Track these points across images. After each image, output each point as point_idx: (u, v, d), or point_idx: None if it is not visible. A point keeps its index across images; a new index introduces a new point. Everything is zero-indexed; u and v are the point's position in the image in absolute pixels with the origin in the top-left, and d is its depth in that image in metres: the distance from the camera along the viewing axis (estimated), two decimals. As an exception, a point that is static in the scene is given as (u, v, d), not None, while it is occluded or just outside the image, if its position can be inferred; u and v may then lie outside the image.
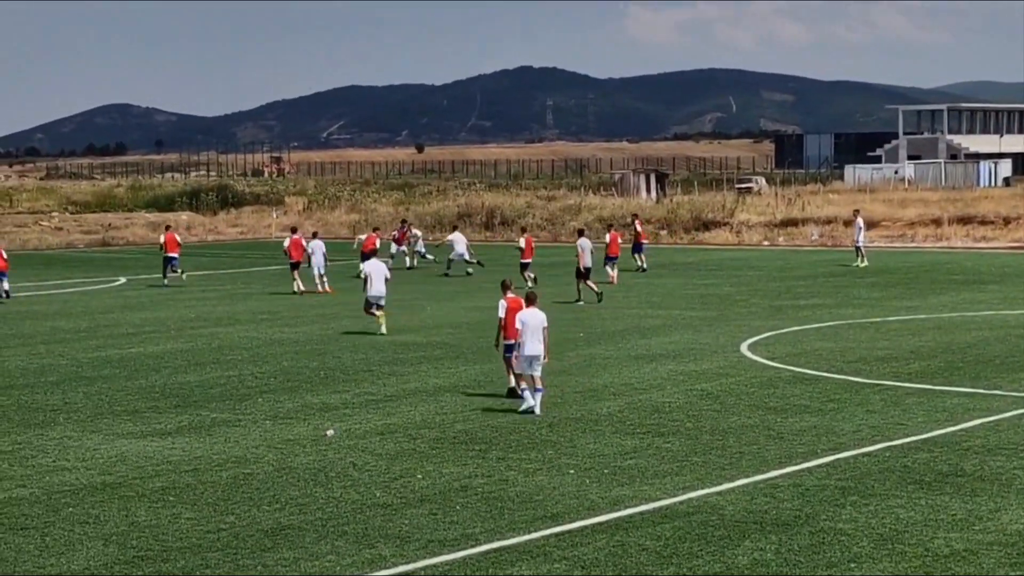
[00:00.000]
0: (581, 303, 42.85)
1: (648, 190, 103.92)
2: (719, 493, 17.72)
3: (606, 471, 19.06)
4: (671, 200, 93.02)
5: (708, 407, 24.12)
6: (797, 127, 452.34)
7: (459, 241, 57.63)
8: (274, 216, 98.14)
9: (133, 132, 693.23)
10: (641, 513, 16.75)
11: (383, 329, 35.07)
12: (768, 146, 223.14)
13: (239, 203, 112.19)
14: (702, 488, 17.97)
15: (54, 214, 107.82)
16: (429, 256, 61.56)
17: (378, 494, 17.93)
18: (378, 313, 35.35)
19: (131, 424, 23.21)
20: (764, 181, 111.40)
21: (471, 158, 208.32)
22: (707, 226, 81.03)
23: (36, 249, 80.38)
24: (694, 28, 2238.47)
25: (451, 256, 56.81)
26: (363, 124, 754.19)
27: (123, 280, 55.29)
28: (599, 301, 42.79)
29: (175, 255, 52.80)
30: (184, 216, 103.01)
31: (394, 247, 61.13)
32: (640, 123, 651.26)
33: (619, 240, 51.68)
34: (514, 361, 24.48)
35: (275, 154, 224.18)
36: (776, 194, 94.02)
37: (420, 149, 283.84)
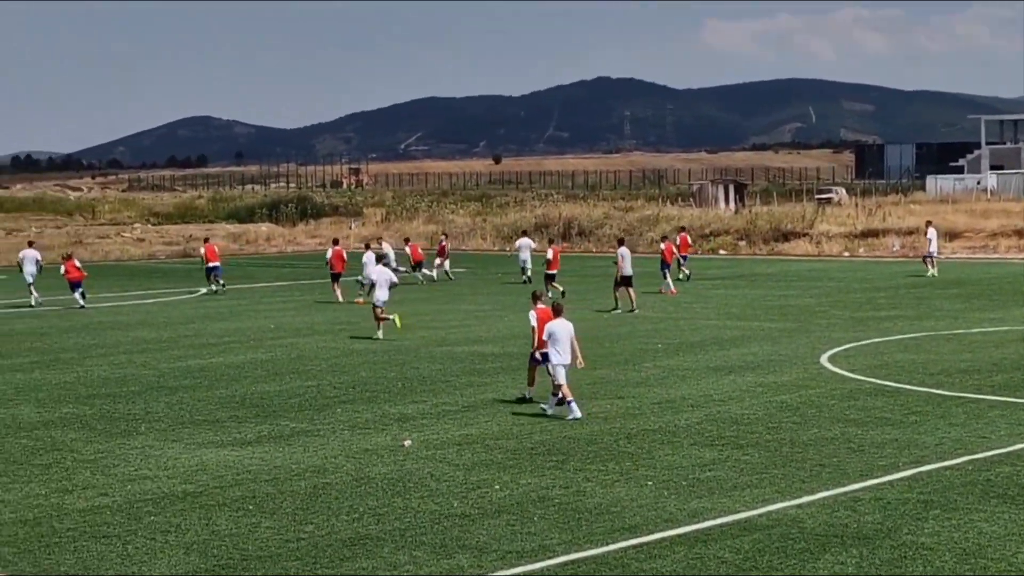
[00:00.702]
0: (618, 311, 43.44)
1: (727, 201, 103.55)
2: (799, 506, 17.57)
3: (684, 483, 18.96)
4: (750, 211, 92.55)
5: (788, 419, 23.95)
6: (877, 137, 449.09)
7: (524, 247, 57.71)
8: (351, 227, 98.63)
9: (214, 144, 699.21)
10: (720, 526, 16.64)
11: (398, 322, 37.11)
12: (848, 156, 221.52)
13: (318, 214, 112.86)
14: (782, 501, 17.83)
15: (136, 225, 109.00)
16: (431, 273, 60.25)
17: (455, 504, 17.94)
18: (389, 316, 37.40)
19: (211, 433, 23.36)
20: (844, 191, 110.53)
21: (548, 169, 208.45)
22: (786, 237, 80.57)
23: (118, 260, 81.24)
24: (773, 38, 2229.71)
25: (521, 264, 57.33)
26: (441, 135, 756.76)
27: (204, 291, 55.72)
28: (631, 311, 43.22)
29: (216, 264, 55.01)
30: (264, 227, 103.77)
31: (437, 260, 61.13)
32: (718, 133, 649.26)
33: (673, 249, 52.25)
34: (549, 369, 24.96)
35: (354, 166, 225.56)
36: (856, 205, 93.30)
37: (497, 160, 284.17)
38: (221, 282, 54.90)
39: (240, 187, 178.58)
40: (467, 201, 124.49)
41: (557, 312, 25.19)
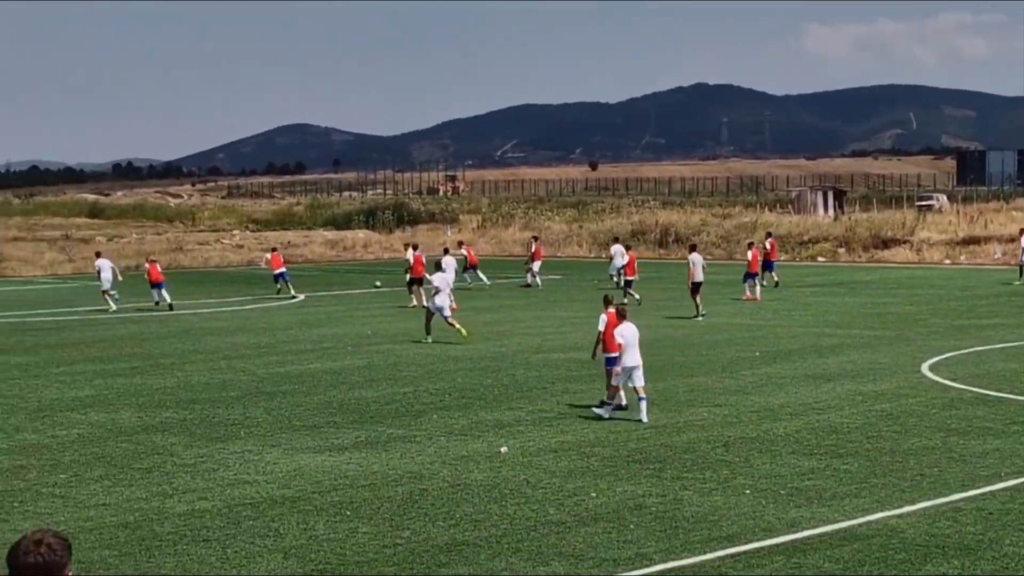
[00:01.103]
0: (700, 318, 43.47)
1: (826, 207, 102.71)
2: (899, 516, 17.38)
3: (783, 492, 18.81)
4: (849, 218, 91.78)
5: (887, 428, 23.69)
6: (978, 143, 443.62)
7: (618, 254, 57.63)
8: (448, 234, 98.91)
9: (312, 151, 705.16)
10: (819, 535, 16.50)
11: (463, 332, 37.67)
12: (949, 163, 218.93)
13: (414, 221, 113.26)
14: (882, 511, 17.64)
15: (235, 232, 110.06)
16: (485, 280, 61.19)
17: (552, 511, 17.92)
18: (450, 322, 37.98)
19: (309, 439, 23.51)
20: (945, 198, 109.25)
21: (645, 175, 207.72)
22: (886, 244, 79.77)
23: (217, 266, 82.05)
24: (872, 44, 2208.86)
25: (610, 272, 57.32)
26: (537, 142, 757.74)
27: (302, 297, 56.13)
28: (695, 316, 43.69)
29: (282, 270, 57.61)
30: (361, 234, 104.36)
31: (530, 264, 61.20)
32: (817, 139, 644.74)
33: (759, 257, 51.92)
34: (614, 373, 25.26)
35: (450, 172, 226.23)
36: (957, 212, 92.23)
37: (594, 167, 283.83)
38: (290, 288, 57.15)
39: (337, 194, 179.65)
40: (563, 208, 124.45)
41: (622, 316, 25.49)
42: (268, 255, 61.24)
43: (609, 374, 25.81)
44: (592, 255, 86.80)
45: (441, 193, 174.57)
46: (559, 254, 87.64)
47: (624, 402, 25.47)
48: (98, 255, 53.44)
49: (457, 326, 37.87)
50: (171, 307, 49.91)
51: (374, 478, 20.14)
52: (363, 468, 20.88)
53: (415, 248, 52.58)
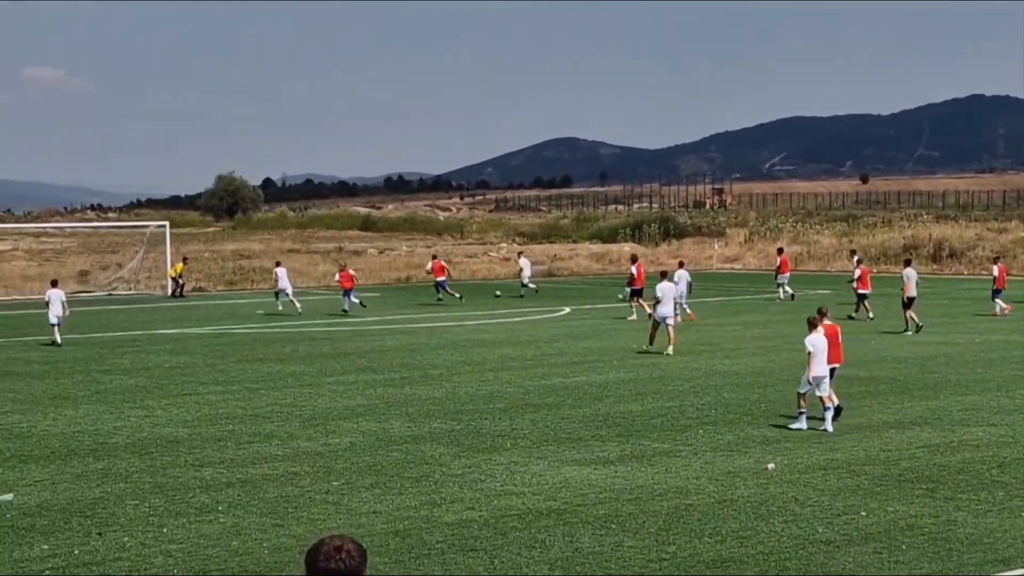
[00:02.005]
0: (908, 333, 43.12)
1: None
2: None
3: (1063, 516, 18.15)
4: None
5: None
6: None
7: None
8: (715, 248, 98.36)
9: (579, 165, 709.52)
10: (1101, 562, 15.87)
11: (670, 350, 38.03)
12: None
13: (680, 235, 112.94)
14: None
15: (502, 245, 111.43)
16: (532, 286, 66.63)
17: (820, 530, 17.63)
18: (670, 332, 38.65)
19: (575, 451, 23.59)
20: None
21: (918, 189, 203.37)
22: None
23: (484, 279, 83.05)
24: None
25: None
26: (806, 155, 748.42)
27: (567, 310, 56.45)
28: (916, 332, 43.17)
29: (443, 279, 61.50)
30: (626, 247, 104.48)
31: (779, 276, 60.63)
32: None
33: (1006, 273, 50.86)
34: (803, 382, 26.07)
35: (717, 186, 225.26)
36: None
37: (864, 180, 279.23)
38: (454, 294, 61.03)
39: (603, 207, 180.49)
40: (832, 222, 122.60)
41: (814, 325, 26.77)
42: (429, 264, 63.66)
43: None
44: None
45: (708, 207, 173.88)
46: (828, 268, 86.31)
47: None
48: (54, 284, 51.83)
49: (672, 339, 38.50)
50: (363, 304, 55.82)
51: (639, 492, 20.10)
52: (628, 482, 20.86)
53: (633, 260, 53.32)
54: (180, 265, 74.21)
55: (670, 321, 38.95)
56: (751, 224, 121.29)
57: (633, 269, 51.71)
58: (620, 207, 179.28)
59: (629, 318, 50.41)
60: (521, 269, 67.31)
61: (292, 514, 18.88)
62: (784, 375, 33.61)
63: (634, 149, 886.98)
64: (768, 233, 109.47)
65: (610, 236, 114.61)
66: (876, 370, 34.18)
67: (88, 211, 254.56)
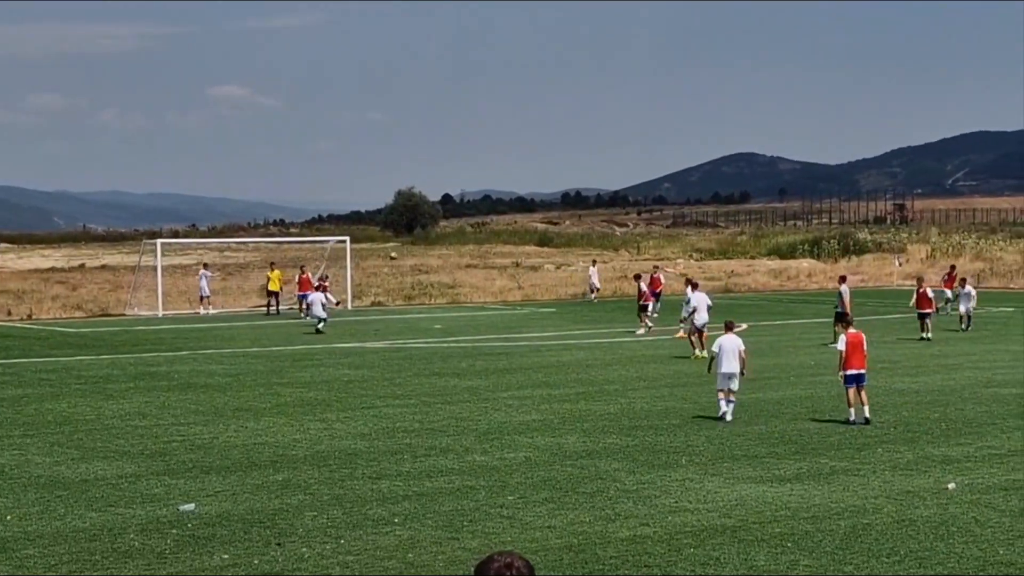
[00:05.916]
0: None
1: None
2: None
3: None
4: None
5: None
6: None
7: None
8: (897, 264, 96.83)
9: (757, 180, 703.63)
10: None
11: (699, 352, 40.38)
12: None
13: (860, 251, 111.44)
14: None
15: (679, 261, 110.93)
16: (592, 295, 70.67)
17: (1001, 552, 17.27)
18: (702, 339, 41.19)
19: (750, 469, 23.42)
20: None
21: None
22: None
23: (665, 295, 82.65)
24: None
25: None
26: (991, 170, 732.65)
27: (745, 326, 56.02)
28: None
29: (658, 291, 62.96)
30: (805, 263, 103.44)
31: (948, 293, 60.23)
32: None
33: None
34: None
35: (898, 201, 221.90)
36: None
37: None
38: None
39: (782, 223, 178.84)
40: (1017, 239, 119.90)
41: (848, 323, 30.37)
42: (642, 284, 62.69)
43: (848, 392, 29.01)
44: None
45: (888, 222, 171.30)
46: (1011, 285, 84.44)
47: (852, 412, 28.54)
48: (318, 287, 55.36)
49: (705, 344, 40.18)
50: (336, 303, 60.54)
51: (816, 510, 19.88)
52: (805, 500, 20.65)
53: (637, 278, 55.86)
54: (276, 273, 67.33)
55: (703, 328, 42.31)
56: (933, 240, 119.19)
57: (642, 285, 54.32)
58: (798, 223, 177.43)
59: (637, 331, 52.48)
60: (590, 277, 72.34)
61: (467, 527, 19.02)
62: (965, 393, 33.02)
63: (813, 164, 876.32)
64: (950, 250, 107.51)
65: (788, 252, 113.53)
66: (1062, 390, 33.36)
67: (271, 226, 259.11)
